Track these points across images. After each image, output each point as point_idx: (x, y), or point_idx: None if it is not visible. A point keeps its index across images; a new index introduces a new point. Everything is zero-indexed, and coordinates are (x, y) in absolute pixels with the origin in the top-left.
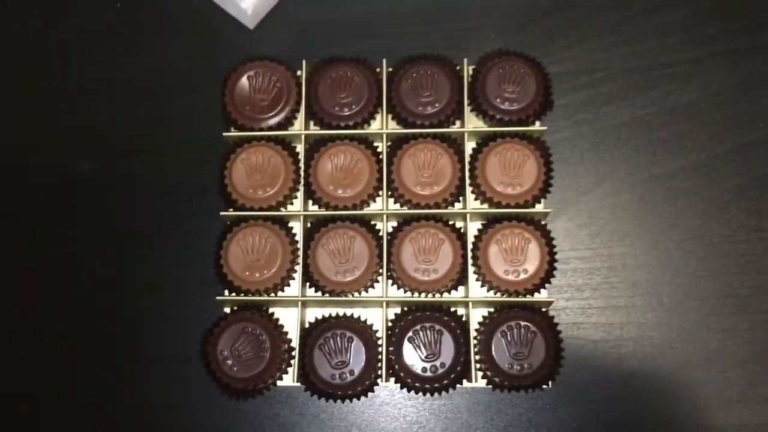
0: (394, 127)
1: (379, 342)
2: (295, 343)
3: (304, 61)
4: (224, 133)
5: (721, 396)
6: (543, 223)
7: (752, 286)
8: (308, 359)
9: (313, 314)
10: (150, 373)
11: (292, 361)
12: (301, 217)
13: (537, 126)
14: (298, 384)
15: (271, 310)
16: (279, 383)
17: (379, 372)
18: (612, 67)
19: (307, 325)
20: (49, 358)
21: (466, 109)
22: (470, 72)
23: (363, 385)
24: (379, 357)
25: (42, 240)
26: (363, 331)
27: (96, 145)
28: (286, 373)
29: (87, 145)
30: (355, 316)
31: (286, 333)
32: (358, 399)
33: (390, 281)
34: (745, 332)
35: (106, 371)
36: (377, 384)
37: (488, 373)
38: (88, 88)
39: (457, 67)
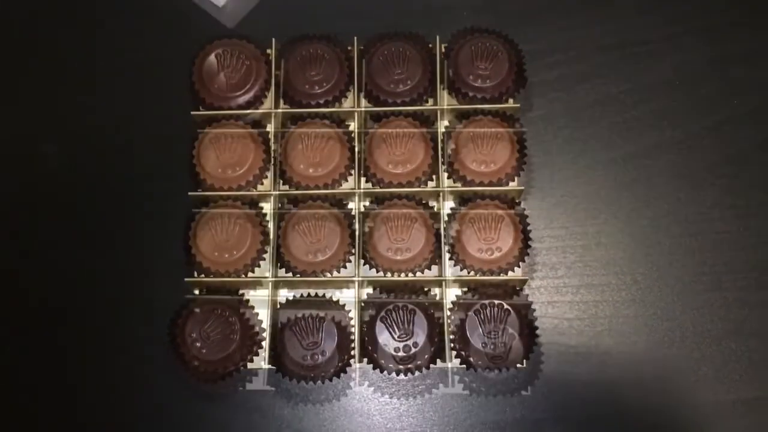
0: (366, 106)
1: (352, 323)
2: (265, 324)
3: (273, 40)
4: (192, 113)
5: (697, 373)
6: (517, 201)
7: (726, 263)
8: (279, 340)
9: (285, 295)
10: (118, 356)
11: (263, 343)
12: (272, 197)
13: (510, 103)
14: (270, 366)
15: (241, 291)
16: (249, 365)
17: (352, 353)
18: (585, 45)
19: (278, 306)
20: (13, 344)
21: (439, 86)
22: (443, 49)
23: (335, 367)
24: (352, 338)
25: (3, 225)
26: (335, 311)
27: (59, 126)
28: (257, 355)
29: (49, 127)
30: (328, 296)
31: (257, 314)
32: (330, 380)
33: (363, 261)
34: (719, 309)
35: (73, 354)
36: (350, 365)
37: (462, 353)
38: (50, 68)
39: (429, 45)
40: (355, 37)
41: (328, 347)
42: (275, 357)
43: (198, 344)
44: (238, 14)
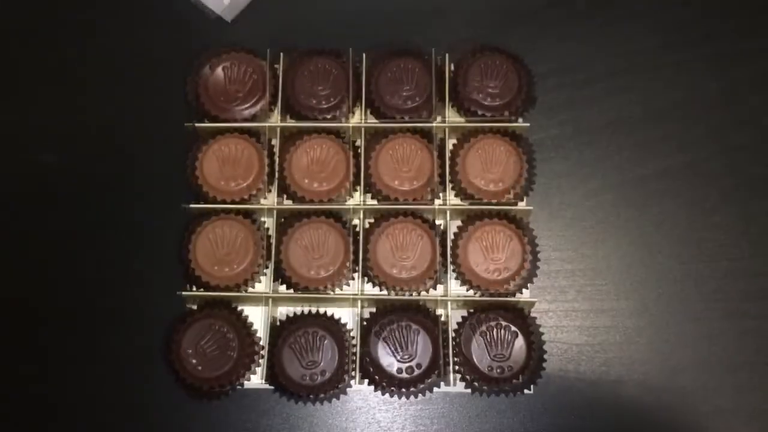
0: (372, 121)
1: (353, 342)
2: (263, 341)
3: (281, 54)
4: (196, 124)
5: (711, 405)
6: (525, 221)
7: (741, 291)
8: (277, 358)
9: (284, 312)
10: (110, 371)
11: (261, 361)
12: (274, 211)
13: (520, 122)
14: (266, 385)
15: (239, 307)
16: (246, 384)
17: (352, 373)
18: (596, 68)
19: (277, 323)
20: (2, 355)
21: (447, 104)
22: (451, 67)
23: (334, 387)
24: (353, 358)
25: None
26: (336, 329)
27: (58, 135)
28: (254, 373)
29: (49, 136)
30: (328, 314)
31: (255, 331)
32: (329, 401)
33: (365, 278)
34: (734, 338)
35: (63, 368)
36: (350, 386)
37: (467, 376)
38: (51, 75)
39: (438, 62)
40: (364, 54)
41: (328, 367)
42: (272, 375)
43: (193, 360)
44: (236, 7)
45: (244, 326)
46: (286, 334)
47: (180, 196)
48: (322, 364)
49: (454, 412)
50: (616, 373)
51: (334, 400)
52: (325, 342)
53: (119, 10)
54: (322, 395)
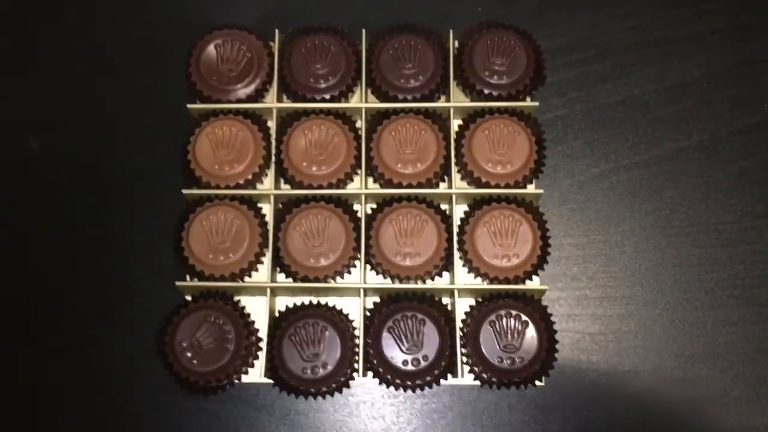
0: (373, 102)
1: (356, 333)
2: (262, 334)
3: (276, 31)
4: (188, 105)
5: (730, 395)
6: (535, 205)
7: (761, 276)
8: (277, 351)
9: (284, 303)
10: (102, 366)
11: (259, 354)
12: (272, 197)
13: (528, 102)
14: (265, 380)
15: (236, 297)
16: (244, 378)
17: (356, 366)
18: (607, 43)
19: (276, 314)
20: None
21: (452, 82)
22: (456, 44)
23: (337, 381)
24: (356, 349)
25: None
26: (338, 321)
27: (48, 117)
28: (252, 367)
29: (37, 118)
30: (330, 304)
31: (253, 323)
32: (332, 396)
33: (368, 267)
34: (754, 326)
35: (55, 362)
36: (353, 379)
37: (476, 368)
38: (41, 56)
39: (442, 39)
40: (364, 30)
41: (331, 359)
42: (272, 369)
43: (188, 354)
44: (237, 2)
45: (241, 318)
46: (285, 325)
47: (181, 182)
48: (323, 356)
49: (462, 406)
50: (630, 363)
51: (336, 393)
52: (327, 333)
53: None
54: (324, 389)
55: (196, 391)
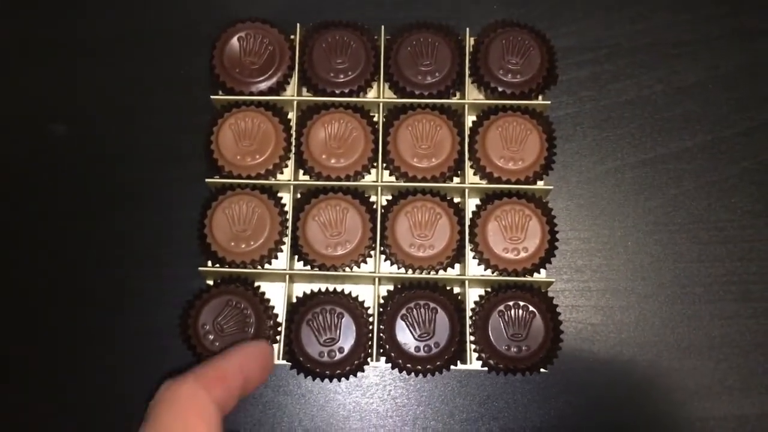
0: (391, 97)
1: (370, 320)
2: (281, 319)
3: (298, 25)
4: (212, 96)
5: (723, 385)
6: (544, 201)
7: (757, 273)
8: (295, 335)
9: (301, 289)
10: (128, 345)
11: (277, 338)
12: (291, 187)
13: (540, 100)
14: (284, 362)
15: (256, 283)
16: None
17: (370, 351)
18: (618, 44)
19: (294, 300)
20: (22, 330)
21: (467, 80)
22: (472, 42)
23: (352, 365)
24: (370, 335)
25: (13, 208)
26: (354, 307)
27: (74, 106)
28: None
29: (64, 107)
30: (346, 292)
31: (273, 308)
32: (347, 378)
33: (383, 257)
34: (748, 320)
35: (82, 343)
36: (367, 363)
37: (483, 355)
38: (67, 47)
39: (459, 37)
40: (383, 26)
41: (346, 344)
42: (290, 352)
43: (210, 336)
44: None
45: (261, 303)
46: (304, 311)
47: (204, 171)
48: (340, 341)
49: (470, 389)
50: (629, 353)
51: (351, 377)
52: (343, 319)
53: None
54: (338, 372)
55: None
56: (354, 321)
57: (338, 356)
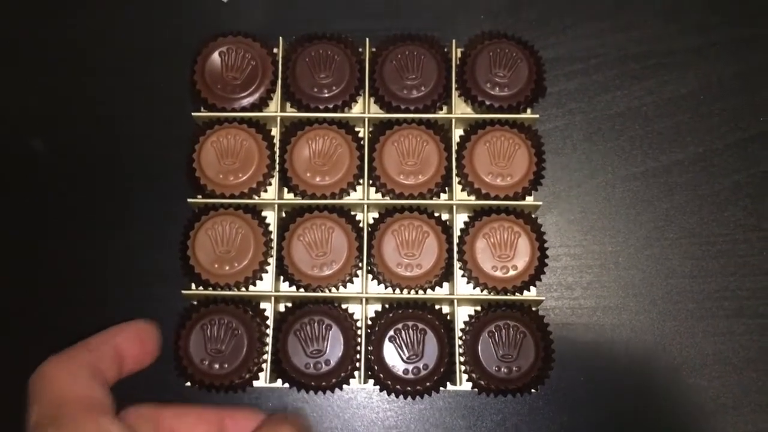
0: (376, 111)
1: (359, 333)
2: (268, 339)
3: (281, 38)
4: (193, 113)
5: (715, 402)
6: (534, 216)
7: (750, 289)
8: (282, 345)
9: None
10: None
11: (265, 357)
12: (276, 206)
13: (528, 114)
14: (269, 384)
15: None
16: (255, 383)
17: (357, 364)
18: (607, 54)
19: (278, 317)
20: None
21: (454, 93)
22: (458, 54)
23: (338, 377)
24: (358, 348)
25: None
26: (343, 319)
27: (51, 122)
28: (261, 370)
29: (41, 122)
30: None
31: (264, 311)
32: (332, 391)
33: (370, 276)
34: (741, 337)
35: None
36: (353, 377)
37: (473, 376)
38: (44, 60)
39: (445, 49)
40: (367, 39)
41: (333, 356)
42: (275, 362)
43: (206, 361)
44: (241, 10)
45: (252, 320)
46: (292, 320)
47: (185, 191)
48: (327, 353)
49: (460, 411)
50: (621, 371)
51: (338, 396)
52: (331, 331)
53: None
54: (324, 384)
55: (210, 388)
56: (342, 333)
57: (324, 368)
